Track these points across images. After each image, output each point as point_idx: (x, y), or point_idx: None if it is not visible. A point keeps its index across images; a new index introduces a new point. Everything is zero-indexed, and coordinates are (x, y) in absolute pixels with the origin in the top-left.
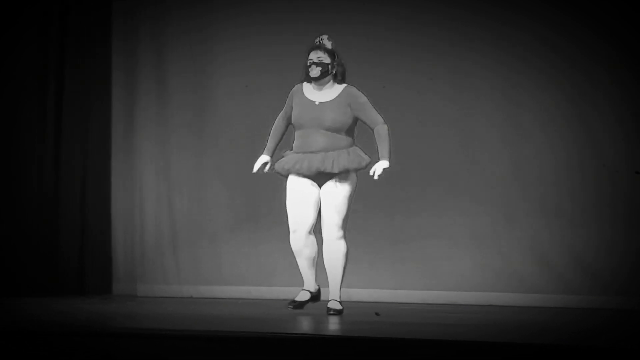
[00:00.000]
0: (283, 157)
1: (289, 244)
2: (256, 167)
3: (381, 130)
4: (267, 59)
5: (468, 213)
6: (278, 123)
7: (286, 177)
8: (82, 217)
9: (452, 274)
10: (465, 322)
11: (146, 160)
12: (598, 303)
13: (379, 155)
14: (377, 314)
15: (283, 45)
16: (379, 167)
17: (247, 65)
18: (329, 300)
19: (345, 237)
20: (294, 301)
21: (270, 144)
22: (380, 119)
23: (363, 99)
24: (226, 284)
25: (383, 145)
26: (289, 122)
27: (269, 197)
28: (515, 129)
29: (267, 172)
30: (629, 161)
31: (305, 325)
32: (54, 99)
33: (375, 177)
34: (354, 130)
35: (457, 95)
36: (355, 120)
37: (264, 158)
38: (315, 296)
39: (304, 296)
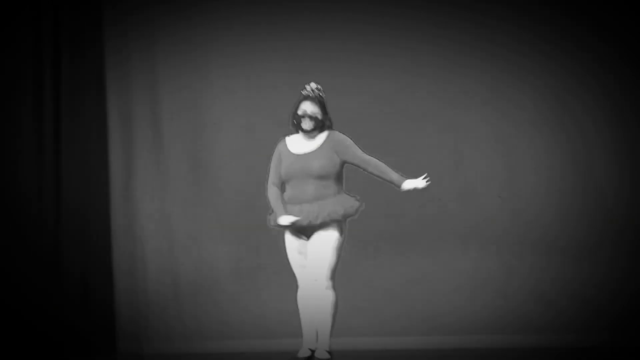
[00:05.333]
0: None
1: (292, 294)
2: (290, 219)
3: (379, 164)
4: (266, 79)
5: (464, 255)
6: (273, 190)
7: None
8: (84, 276)
9: (454, 318)
10: None
11: (146, 210)
12: (601, 341)
13: (396, 182)
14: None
15: (280, 69)
16: (416, 183)
17: (243, 75)
18: (316, 349)
19: (334, 286)
20: (297, 357)
21: (281, 205)
22: (371, 157)
23: (348, 142)
24: (231, 338)
25: (391, 173)
26: (281, 182)
27: (270, 246)
28: (510, 167)
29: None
30: (622, 197)
31: None
32: (52, 118)
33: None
34: (342, 176)
35: (452, 138)
36: (343, 165)
37: (288, 218)
38: (313, 356)
39: (305, 353)
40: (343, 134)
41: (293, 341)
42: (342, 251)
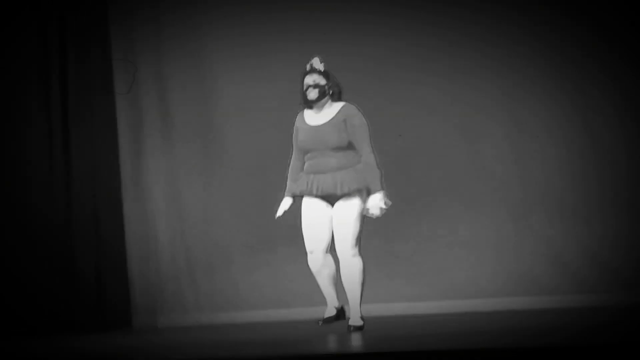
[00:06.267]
0: (297, 180)
1: (307, 265)
2: (281, 211)
3: (369, 160)
4: (272, 63)
5: (478, 219)
6: (294, 163)
7: (301, 197)
8: (97, 251)
9: (468, 282)
10: (486, 329)
11: (156, 186)
12: (616, 300)
13: (371, 188)
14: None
15: (287, 50)
16: (373, 205)
17: (248, 67)
18: (349, 318)
19: (360, 253)
20: (324, 318)
21: (291, 185)
22: (368, 148)
23: (358, 120)
24: (245, 308)
25: (373, 176)
26: (303, 156)
27: (282, 221)
28: (519, 131)
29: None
30: (630, 155)
31: (327, 344)
32: (59, 104)
33: (374, 216)
34: None
35: (460, 101)
36: None
37: (287, 201)
38: (341, 313)
39: (331, 312)
40: (358, 110)
41: (303, 310)
42: (364, 219)
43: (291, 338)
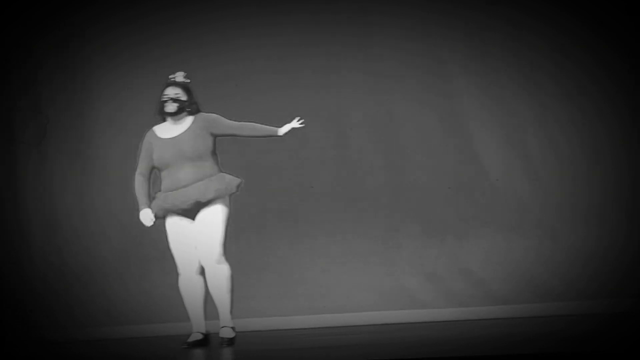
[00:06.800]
0: (154, 199)
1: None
2: (150, 219)
3: (254, 125)
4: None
5: (351, 233)
6: (139, 180)
7: (163, 218)
8: None
9: (340, 296)
10: (358, 343)
11: (29, 197)
12: (488, 313)
13: (274, 132)
14: None
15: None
16: (286, 127)
17: (120, 78)
18: (221, 328)
19: (226, 261)
20: (188, 342)
21: (143, 198)
22: (242, 122)
23: (215, 116)
24: (119, 324)
25: (266, 128)
26: (149, 173)
27: (153, 234)
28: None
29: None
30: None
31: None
32: None
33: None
34: (217, 156)
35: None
36: (215, 143)
37: (147, 211)
38: (206, 339)
39: (197, 337)
40: (208, 113)
41: (180, 325)
42: (228, 227)
43: (161, 355)
